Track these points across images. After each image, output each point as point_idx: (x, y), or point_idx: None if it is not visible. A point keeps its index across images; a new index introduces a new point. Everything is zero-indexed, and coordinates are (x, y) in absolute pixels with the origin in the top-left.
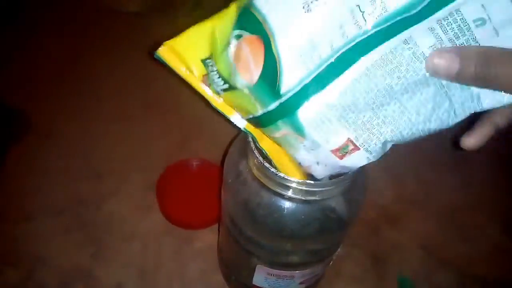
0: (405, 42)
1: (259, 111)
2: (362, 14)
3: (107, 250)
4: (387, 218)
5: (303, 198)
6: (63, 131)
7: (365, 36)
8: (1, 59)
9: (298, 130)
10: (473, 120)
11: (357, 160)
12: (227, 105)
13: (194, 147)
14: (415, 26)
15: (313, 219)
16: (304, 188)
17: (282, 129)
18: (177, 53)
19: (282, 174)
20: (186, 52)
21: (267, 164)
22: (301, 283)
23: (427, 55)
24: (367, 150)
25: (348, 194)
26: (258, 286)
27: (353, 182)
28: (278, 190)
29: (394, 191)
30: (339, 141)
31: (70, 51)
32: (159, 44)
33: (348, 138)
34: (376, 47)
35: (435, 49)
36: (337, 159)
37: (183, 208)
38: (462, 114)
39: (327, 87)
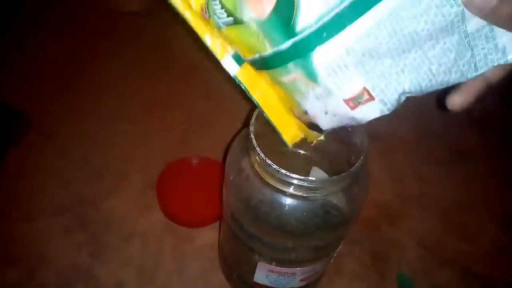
0: None
1: (268, 50)
2: None
3: (107, 249)
4: (387, 216)
5: (305, 195)
6: (63, 131)
7: None
8: (1, 59)
9: (311, 74)
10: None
11: (369, 111)
12: (226, 43)
13: (195, 145)
14: None
15: (315, 216)
16: (305, 184)
17: (292, 73)
18: None
19: (284, 171)
20: None
21: (269, 161)
22: (302, 280)
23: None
24: (382, 101)
25: (350, 191)
26: (259, 284)
27: (354, 179)
28: (280, 187)
29: (394, 189)
30: (354, 89)
31: (70, 51)
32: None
33: (364, 87)
34: None
35: None
36: (349, 109)
37: (183, 206)
38: (484, 67)
39: (348, 28)
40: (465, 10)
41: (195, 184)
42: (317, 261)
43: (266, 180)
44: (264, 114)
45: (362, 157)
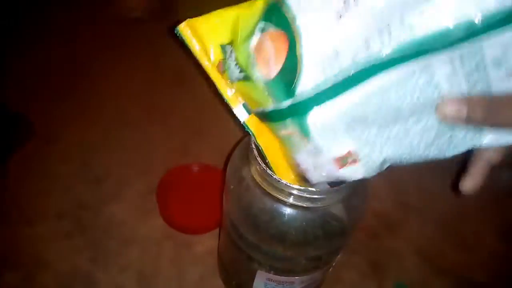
0: (423, 69)
1: (271, 106)
2: (389, 34)
3: (106, 254)
4: (387, 225)
5: (305, 205)
6: (64, 136)
7: (387, 55)
8: (3, 64)
9: (305, 132)
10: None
11: (353, 172)
12: (237, 94)
13: (196, 151)
14: (437, 55)
15: (314, 225)
16: (305, 195)
17: (289, 128)
18: (197, 33)
19: (284, 181)
20: (206, 34)
21: (269, 171)
22: None
23: (441, 85)
24: (364, 166)
25: (349, 201)
26: None
27: (354, 190)
28: (280, 197)
29: (393, 198)
30: (340, 151)
31: (72, 57)
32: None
33: (349, 150)
34: (395, 68)
35: (448, 79)
36: (336, 167)
37: (183, 212)
38: (460, 148)
39: (340, 96)
40: None
41: (195, 191)
42: (316, 270)
43: (266, 190)
44: (266, 159)
45: None
